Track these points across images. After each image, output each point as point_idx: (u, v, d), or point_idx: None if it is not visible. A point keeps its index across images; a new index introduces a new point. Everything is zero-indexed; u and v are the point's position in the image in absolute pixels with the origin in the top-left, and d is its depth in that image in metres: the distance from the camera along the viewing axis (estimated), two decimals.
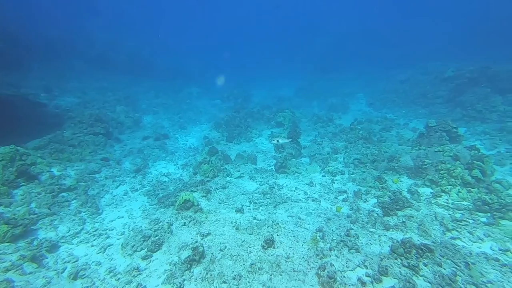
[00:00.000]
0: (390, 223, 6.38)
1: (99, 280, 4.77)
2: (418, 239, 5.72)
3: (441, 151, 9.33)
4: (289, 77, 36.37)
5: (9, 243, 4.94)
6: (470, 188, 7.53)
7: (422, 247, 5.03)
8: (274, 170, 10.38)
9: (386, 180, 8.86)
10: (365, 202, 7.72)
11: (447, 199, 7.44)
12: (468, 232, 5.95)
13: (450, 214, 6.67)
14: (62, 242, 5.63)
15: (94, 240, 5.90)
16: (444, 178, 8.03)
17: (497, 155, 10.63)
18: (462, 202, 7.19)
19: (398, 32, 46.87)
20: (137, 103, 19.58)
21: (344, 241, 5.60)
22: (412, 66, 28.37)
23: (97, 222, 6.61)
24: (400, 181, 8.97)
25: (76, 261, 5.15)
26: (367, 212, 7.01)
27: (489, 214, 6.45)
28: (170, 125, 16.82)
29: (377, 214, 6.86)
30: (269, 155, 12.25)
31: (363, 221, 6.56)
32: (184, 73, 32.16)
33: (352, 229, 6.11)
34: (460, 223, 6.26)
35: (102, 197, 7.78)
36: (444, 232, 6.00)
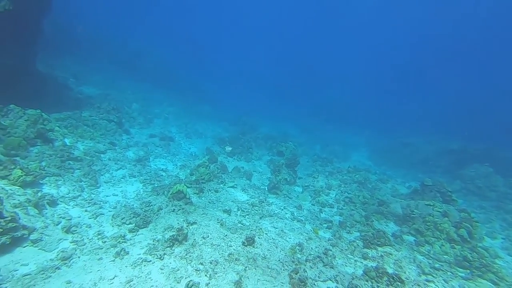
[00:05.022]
0: (369, 255, 6.55)
1: (88, 238, 5.03)
2: (392, 271, 5.87)
3: (431, 205, 9.67)
4: (298, 117, 38.08)
5: (19, 187, 5.33)
6: (454, 245, 7.72)
7: (394, 276, 5.21)
8: (266, 189, 10.74)
9: (373, 221, 9.13)
10: (348, 233, 7.92)
11: (429, 250, 7.60)
12: (443, 280, 6.08)
13: (429, 262, 6.82)
14: (61, 201, 5.94)
15: (89, 207, 6.19)
16: (430, 230, 8.28)
17: (490, 228, 10.86)
18: (443, 256, 7.34)
19: (404, 99, 50.04)
20: (151, 107, 20.71)
21: (320, 257, 5.79)
22: (413, 133, 29.62)
23: (93, 194, 6.92)
24: (387, 226, 9.21)
25: (70, 219, 5.44)
26: (348, 241, 7.21)
27: (468, 271, 6.59)
28: (177, 131, 17.61)
29: (358, 245, 7.05)
30: (264, 176, 12.68)
31: (342, 247, 6.75)
32: (201, 91, 34.09)
33: (331, 250, 6.30)
34: (438, 271, 6.40)
35: (102, 174, 8.16)
36: (419, 274, 6.14)
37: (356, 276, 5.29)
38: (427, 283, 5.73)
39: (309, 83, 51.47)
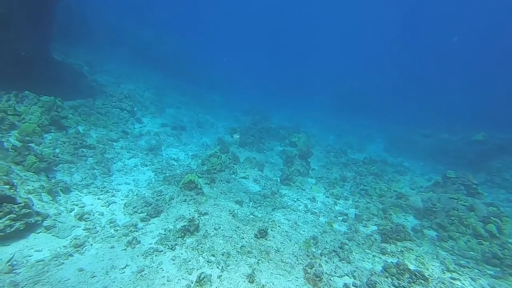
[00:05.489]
0: (387, 250, 6.22)
1: (100, 226, 5.01)
2: (414, 268, 5.53)
3: (455, 199, 9.07)
4: (311, 107, 37.18)
5: (33, 173, 5.37)
6: (481, 240, 7.20)
7: (417, 273, 4.88)
8: (279, 180, 10.50)
9: (391, 214, 8.72)
10: (365, 226, 7.59)
11: (453, 245, 7.14)
12: (470, 278, 5.67)
13: (453, 259, 6.40)
14: (74, 188, 5.96)
15: (101, 194, 6.20)
16: (454, 225, 7.77)
17: None
18: (469, 252, 6.86)
19: (426, 89, 47.37)
20: (163, 96, 20.70)
21: (336, 251, 5.53)
22: (433, 123, 28.13)
23: (106, 182, 6.93)
24: (406, 219, 8.78)
25: (83, 206, 5.45)
26: (365, 235, 6.88)
27: (498, 269, 6.11)
28: (188, 121, 17.53)
29: (375, 239, 6.72)
30: (276, 167, 12.41)
31: (359, 241, 6.44)
32: (211, 81, 33.81)
33: (347, 244, 6.02)
34: (463, 268, 5.99)
35: (115, 163, 8.18)
36: (443, 271, 5.76)
37: (375, 272, 5.01)
38: (452, 281, 5.35)
39: (323, 74, 49.95)
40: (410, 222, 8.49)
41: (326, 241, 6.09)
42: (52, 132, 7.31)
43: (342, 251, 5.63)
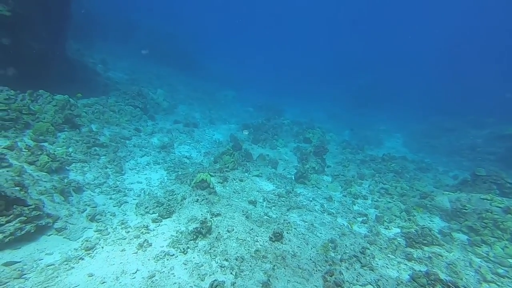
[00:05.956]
0: (414, 255, 5.74)
1: (112, 228, 4.90)
2: (446, 278, 5.04)
3: (488, 200, 8.33)
4: (325, 102, 36.17)
5: (46, 173, 5.34)
6: None
7: (450, 284, 4.40)
8: (293, 178, 10.13)
9: (415, 215, 8.15)
10: (386, 229, 7.10)
11: (488, 251, 6.51)
12: None
13: (489, 267, 5.81)
14: (87, 188, 5.92)
15: (114, 194, 6.13)
16: (488, 228, 7.10)
17: None
18: (508, 259, 6.22)
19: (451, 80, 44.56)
20: (175, 92, 20.73)
21: (357, 256, 5.13)
22: (459, 115, 26.46)
23: (118, 181, 6.87)
24: (431, 221, 8.18)
25: (95, 207, 5.37)
26: (387, 238, 6.42)
27: None
28: (201, 117, 17.44)
29: (399, 243, 6.23)
30: (291, 164, 12.02)
31: (381, 245, 5.99)
32: (224, 76, 33.62)
33: (369, 249, 5.60)
34: (503, 278, 5.41)
35: (127, 161, 8.13)
36: (480, 281, 5.22)
37: (401, 281, 4.58)
38: None
39: (338, 68, 48.46)
40: (436, 224, 7.88)
41: (346, 245, 5.70)
42: (66, 130, 7.33)
43: (363, 257, 5.23)
